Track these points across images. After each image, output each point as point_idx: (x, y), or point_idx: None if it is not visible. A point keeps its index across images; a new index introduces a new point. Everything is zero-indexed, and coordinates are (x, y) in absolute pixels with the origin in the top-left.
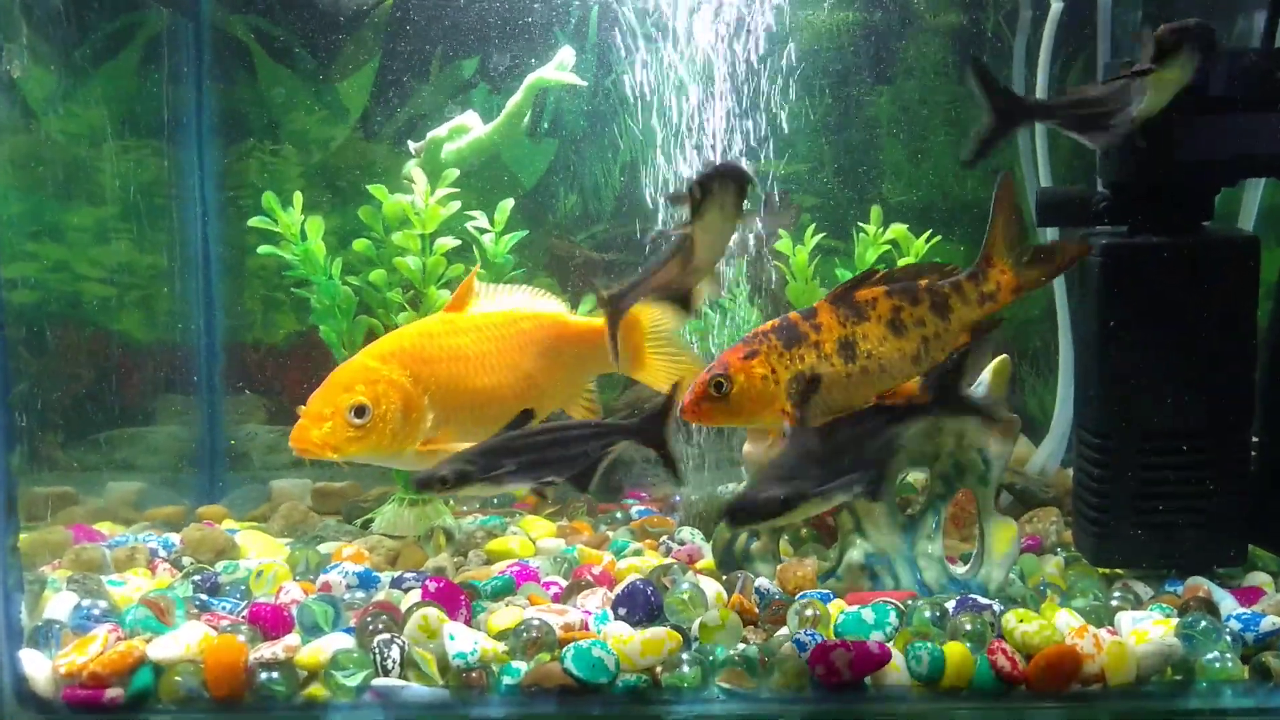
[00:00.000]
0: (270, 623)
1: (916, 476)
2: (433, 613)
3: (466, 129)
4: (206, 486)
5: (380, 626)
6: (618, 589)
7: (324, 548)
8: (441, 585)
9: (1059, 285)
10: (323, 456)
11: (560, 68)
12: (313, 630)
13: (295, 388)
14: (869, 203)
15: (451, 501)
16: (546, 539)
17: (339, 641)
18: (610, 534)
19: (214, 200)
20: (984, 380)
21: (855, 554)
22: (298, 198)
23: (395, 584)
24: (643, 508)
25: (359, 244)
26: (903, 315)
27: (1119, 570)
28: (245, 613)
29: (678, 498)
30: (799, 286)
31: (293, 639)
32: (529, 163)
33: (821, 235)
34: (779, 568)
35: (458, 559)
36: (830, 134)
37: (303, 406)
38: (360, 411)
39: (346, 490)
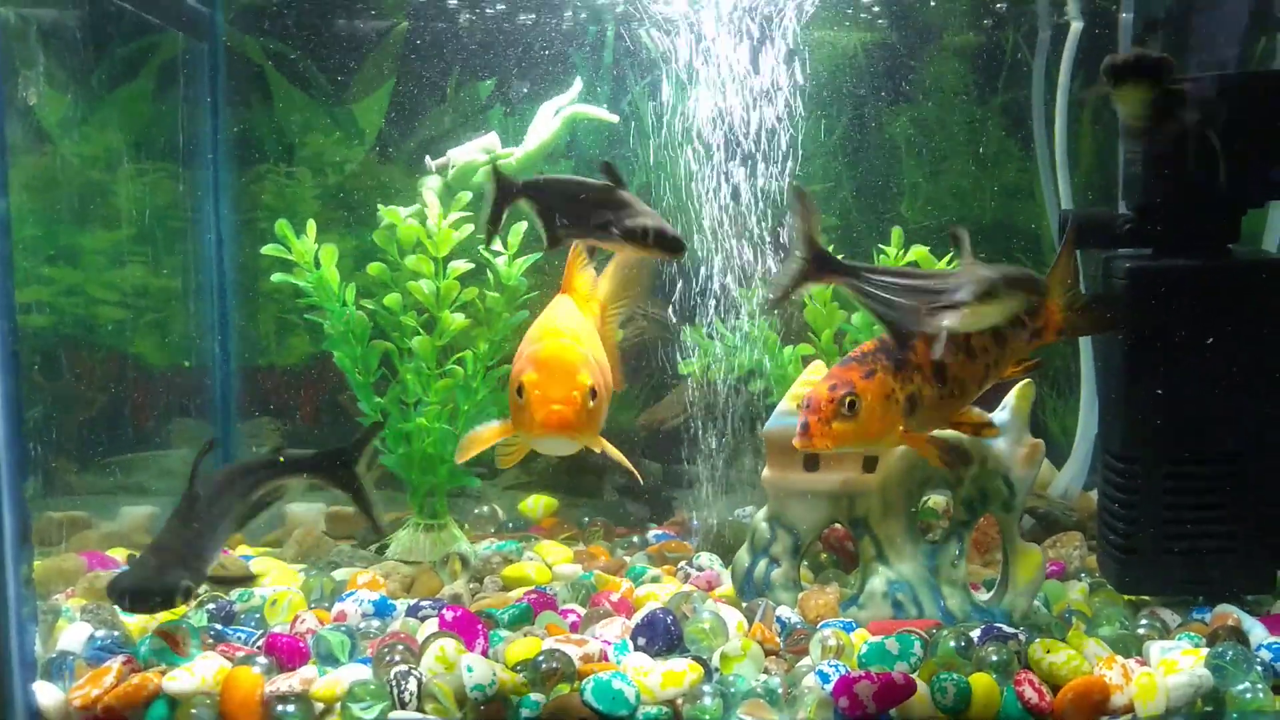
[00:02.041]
0: (286, 653)
1: (938, 500)
2: (450, 644)
3: (497, 154)
4: None
5: (397, 658)
6: (636, 617)
7: (338, 574)
8: (458, 615)
9: None
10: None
11: (575, 102)
12: (329, 661)
13: (309, 411)
14: (888, 224)
15: (467, 525)
16: (563, 564)
17: (355, 673)
18: (627, 559)
19: (229, 223)
20: (1008, 404)
21: (877, 581)
22: (311, 226)
23: (411, 612)
24: (660, 532)
25: (373, 268)
26: (972, 340)
27: (1145, 597)
28: (261, 643)
29: (696, 522)
30: (817, 310)
31: (309, 671)
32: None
33: (841, 257)
34: (800, 596)
35: (473, 585)
36: (848, 154)
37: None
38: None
39: (360, 515)
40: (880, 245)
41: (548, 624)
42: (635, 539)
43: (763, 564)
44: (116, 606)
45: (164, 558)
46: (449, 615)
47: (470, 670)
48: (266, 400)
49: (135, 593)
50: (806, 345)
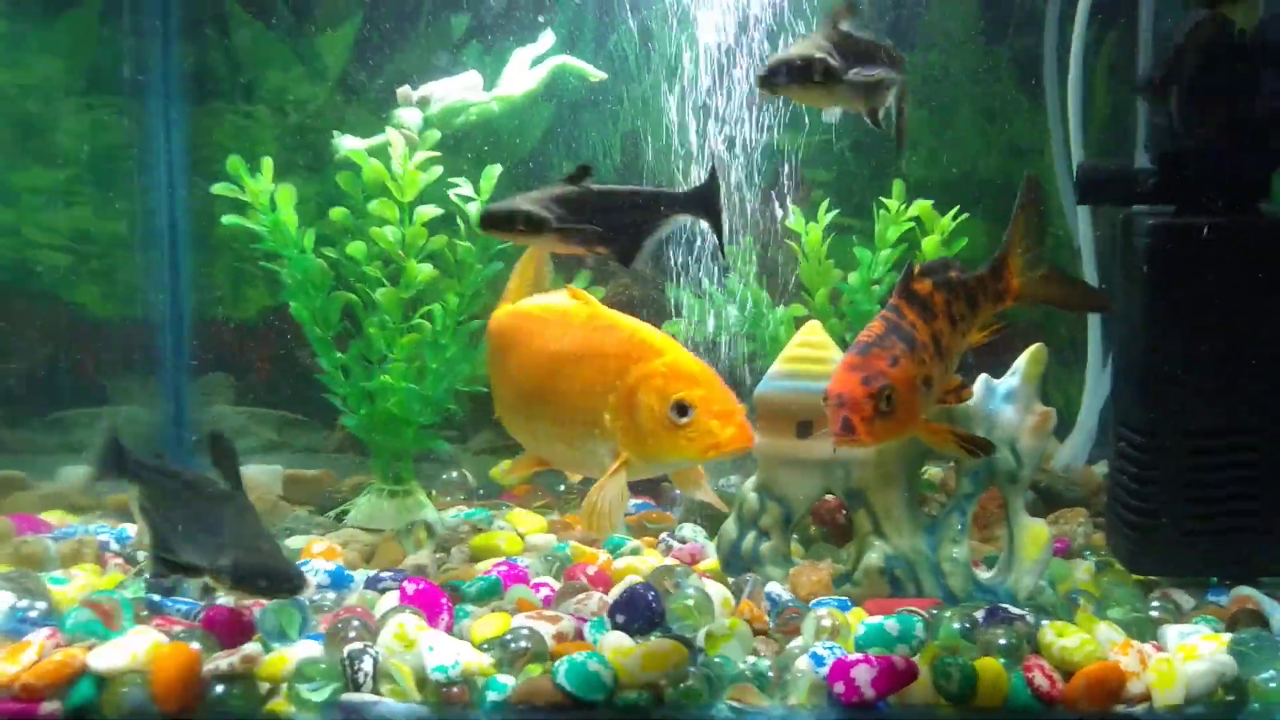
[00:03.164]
0: (228, 628)
1: (935, 472)
2: (410, 620)
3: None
4: None
5: (352, 634)
6: (615, 592)
7: (293, 542)
8: (421, 587)
9: (1088, 266)
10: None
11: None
12: (276, 637)
13: (267, 367)
14: (888, 178)
15: (435, 492)
16: (536, 534)
17: (305, 650)
18: None
19: (181, 165)
20: (1018, 369)
21: (874, 557)
22: (267, 164)
23: (370, 584)
24: (639, 501)
25: (335, 213)
26: (953, 309)
27: (1155, 578)
28: (200, 617)
29: (677, 491)
30: (811, 267)
31: (253, 648)
32: (522, 129)
33: (836, 212)
34: (791, 571)
35: (440, 555)
36: None
37: None
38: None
39: (321, 478)
40: (881, 199)
41: (518, 599)
42: None
43: (751, 537)
44: (238, 590)
45: (275, 545)
46: (410, 588)
47: (432, 650)
48: (222, 356)
49: (278, 574)
50: (799, 306)
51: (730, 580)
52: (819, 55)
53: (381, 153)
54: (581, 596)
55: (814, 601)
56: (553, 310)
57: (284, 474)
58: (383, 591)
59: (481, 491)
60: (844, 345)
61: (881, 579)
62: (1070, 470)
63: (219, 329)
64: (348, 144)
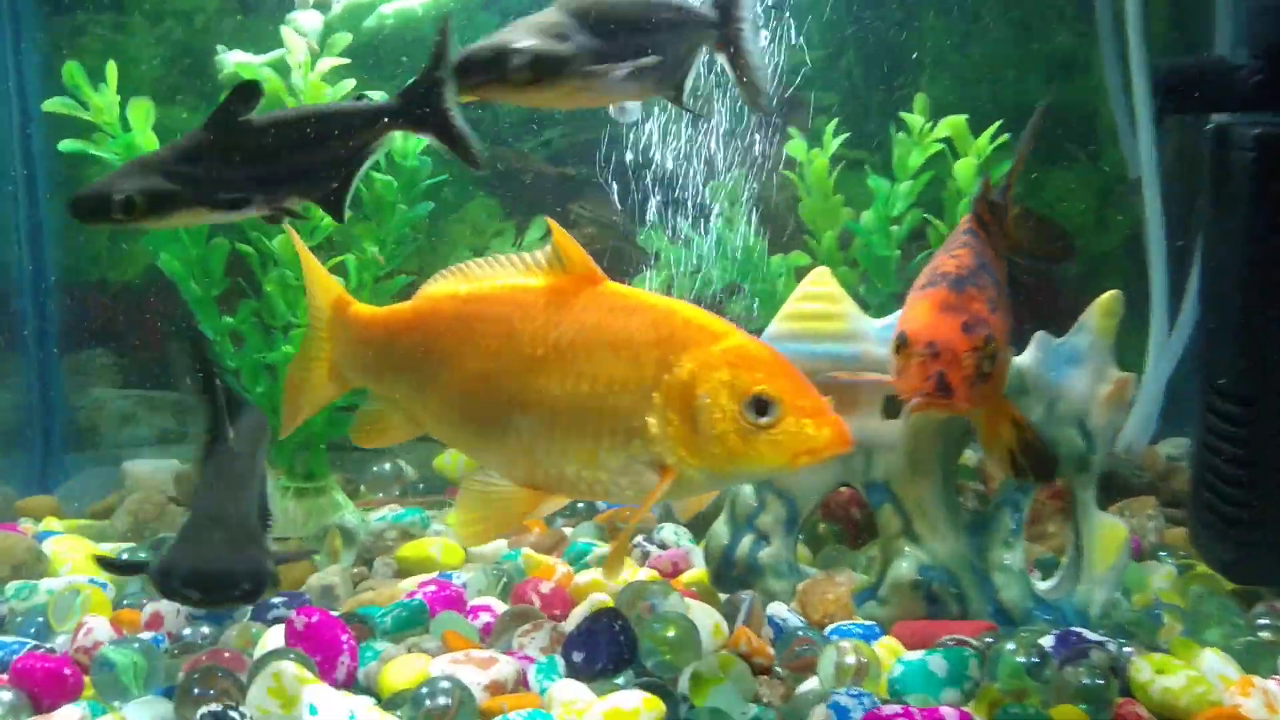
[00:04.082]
0: (45, 685)
1: (970, 456)
2: (288, 669)
3: None
4: (37, 470)
5: (211, 690)
6: (572, 618)
7: None
8: (315, 620)
9: (1152, 197)
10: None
11: None
12: (113, 692)
13: (158, 339)
14: (903, 102)
15: (363, 488)
16: None
17: (149, 712)
18: (567, 531)
19: (36, 92)
20: (1086, 324)
21: (905, 567)
22: (111, 70)
23: (259, 613)
24: None
25: None
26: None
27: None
28: (7, 672)
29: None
30: (815, 204)
31: (72, 712)
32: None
33: (844, 137)
34: (801, 587)
35: (359, 570)
36: (853, 13)
37: None
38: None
39: None
40: (902, 115)
41: (445, 632)
42: (580, 504)
43: (747, 541)
44: (170, 600)
45: (234, 533)
46: (301, 622)
47: (314, 711)
48: (101, 327)
49: (211, 579)
50: (801, 254)
51: (722, 598)
52: (526, 45)
53: (279, 67)
54: (528, 628)
55: (831, 628)
56: (525, 290)
57: (178, 470)
58: (273, 623)
59: (422, 486)
60: (860, 301)
61: (915, 595)
62: (1131, 452)
63: (94, 294)
64: (234, 58)
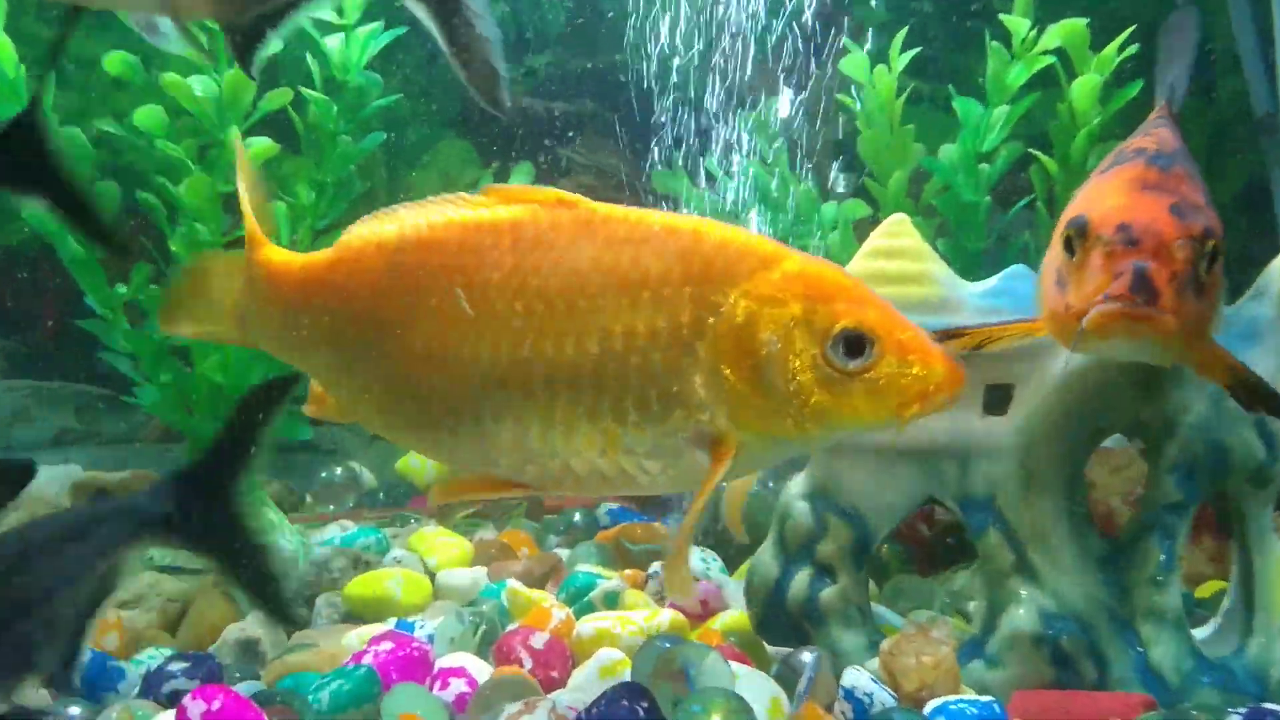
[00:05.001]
0: None
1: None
2: None
3: None
4: None
5: None
6: (574, 684)
7: None
8: (219, 708)
9: None
10: None
11: None
12: None
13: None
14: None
15: (310, 498)
16: (454, 569)
17: None
18: (562, 554)
19: None
20: (1267, 287)
21: (1023, 615)
22: None
23: (152, 684)
24: (613, 505)
25: (111, 61)
26: None
27: None
28: None
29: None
30: (878, 136)
31: None
32: None
33: (916, 52)
34: (885, 647)
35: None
36: None
37: None
38: None
39: (132, 483)
40: (1000, 16)
41: (403, 717)
42: (578, 516)
43: (803, 576)
44: None
45: None
46: (197, 709)
47: None
48: None
49: None
50: (859, 202)
51: (771, 651)
52: None
53: None
54: (518, 711)
55: (933, 706)
56: (484, 227)
57: (77, 479)
58: (167, 701)
59: (384, 497)
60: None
61: (1038, 654)
62: None
63: None
64: None
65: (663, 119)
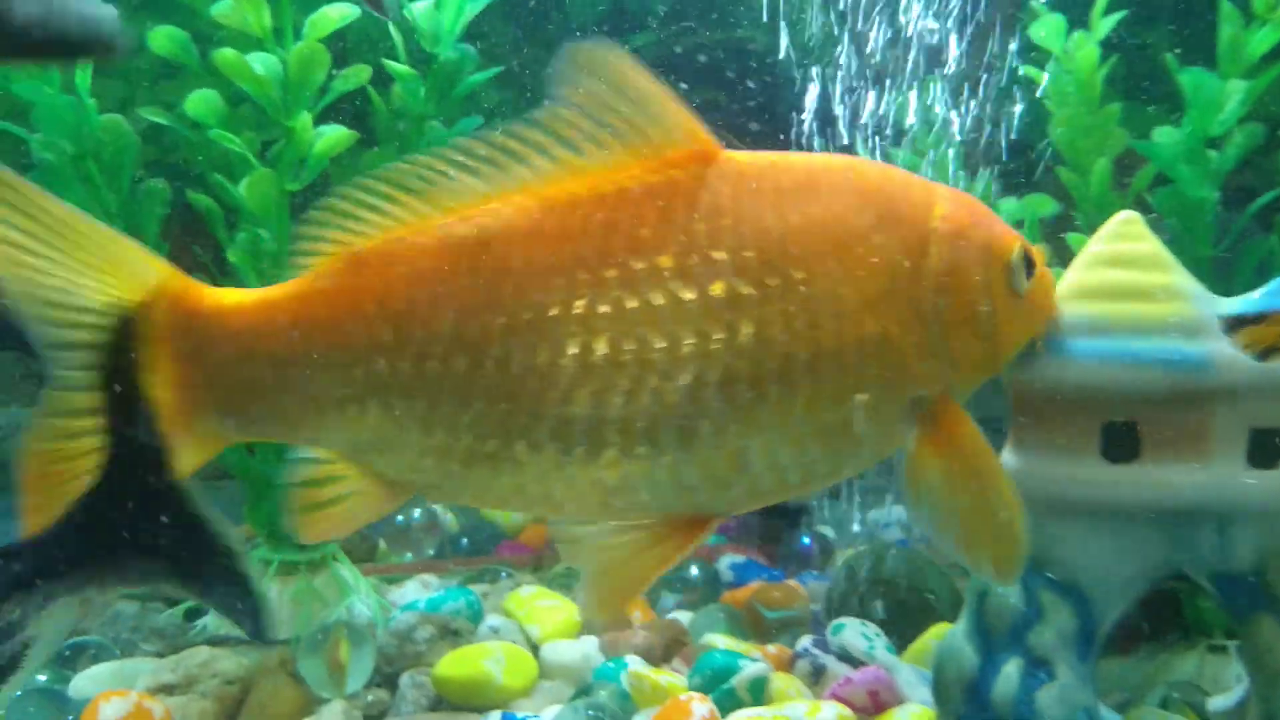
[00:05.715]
0: None
1: None
2: None
3: None
4: None
5: None
6: None
7: (83, 680)
8: None
9: None
10: None
11: None
12: None
13: None
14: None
15: (382, 545)
16: (560, 640)
17: None
18: (683, 619)
19: None
20: None
21: None
22: None
23: None
24: (738, 558)
25: (157, 38)
26: None
27: None
28: None
29: (806, 540)
30: (1077, 117)
31: None
32: None
33: (1121, 14)
34: None
35: (375, 697)
36: None
37: None
38: None
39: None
40: None
41: None
42: (695, 570)
43: (1012, 669)
44: None
45: None
46: None
47: None
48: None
49: None
50: (1046, 197)
51: None
52: None
53: None
54: None
55: None
56: (576, 192)
57: None
58: None
59: (465, 542)
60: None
61: None
62: None
63: None
64: None
65: (795, 92)
